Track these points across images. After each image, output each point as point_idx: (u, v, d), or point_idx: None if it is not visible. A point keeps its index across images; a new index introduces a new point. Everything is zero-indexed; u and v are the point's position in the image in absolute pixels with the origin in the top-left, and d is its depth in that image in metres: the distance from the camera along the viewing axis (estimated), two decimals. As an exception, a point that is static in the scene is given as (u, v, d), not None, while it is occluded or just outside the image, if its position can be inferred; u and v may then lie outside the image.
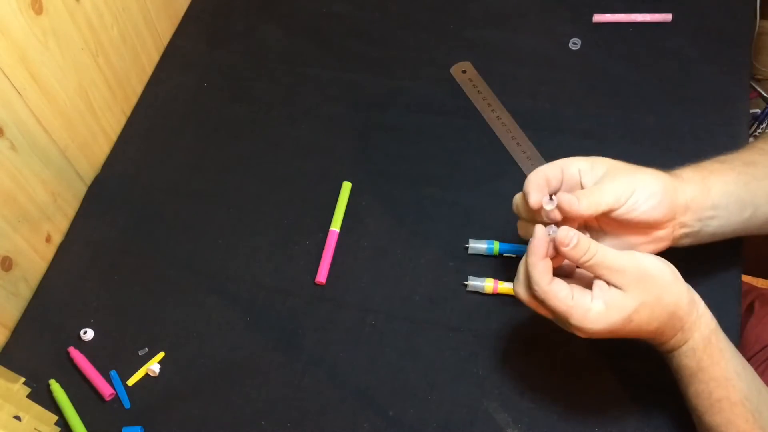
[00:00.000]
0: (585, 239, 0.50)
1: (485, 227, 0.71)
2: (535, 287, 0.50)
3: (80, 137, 0.76)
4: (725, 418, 0.52)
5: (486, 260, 0.69)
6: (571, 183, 0.56)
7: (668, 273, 0.51)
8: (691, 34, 0.81)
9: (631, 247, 0.57)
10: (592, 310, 0.49)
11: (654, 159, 0.68)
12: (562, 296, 0.50)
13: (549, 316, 0.52)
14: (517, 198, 0.57)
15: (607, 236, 0.57)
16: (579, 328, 0.50)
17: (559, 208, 0.53)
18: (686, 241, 0.58)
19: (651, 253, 0.54)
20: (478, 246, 0.68)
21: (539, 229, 0.51)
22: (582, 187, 0.55)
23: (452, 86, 0.81)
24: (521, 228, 0.59)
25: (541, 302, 0.51)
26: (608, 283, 0.50)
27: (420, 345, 0.65)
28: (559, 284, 0.50)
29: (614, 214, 0.54)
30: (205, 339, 0.68)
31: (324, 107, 0.81)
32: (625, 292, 0.49)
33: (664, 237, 0.56)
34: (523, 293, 0.52)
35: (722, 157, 0.59)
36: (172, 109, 0.83)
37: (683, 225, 0.56)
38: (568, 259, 0.51)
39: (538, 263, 0.50)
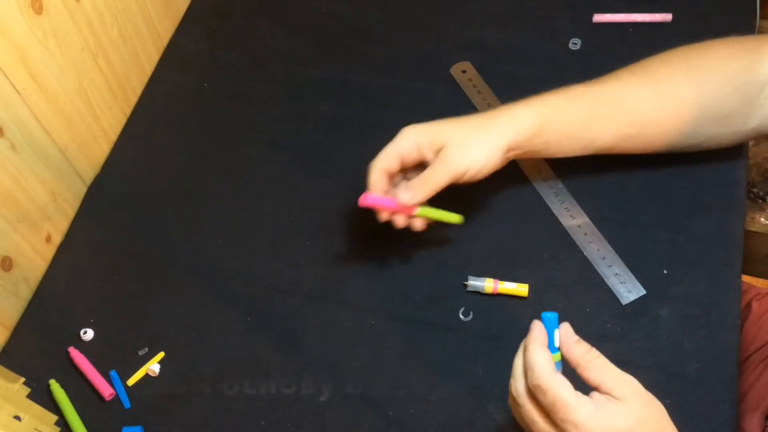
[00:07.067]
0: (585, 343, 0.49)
1: (485, 227, 0.71)
2: (540, 376, 0.46)
3: (80, 137, 0.76)
4: None
5: (486, 260, 0.69)
6: (414, 158, 0.62)
7: (666, 414, 0.49)
8: (691, 34, 0.81)
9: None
10: (598, 410, 0.46)
11: (654, 158, 0.69)
12: (569, 387, 0.46)
13: (538, 419, 0.48)
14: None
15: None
16: (578, 426, 0.45)
17: (400, 204, 0.60)
18: (525, 157, 0.65)
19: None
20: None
21: (537, 322, 0.50)
22: (426, 162, 0.61)
23: (452, 86, 0.81)
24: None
25: (543, 393, 0.46)
26: (609, 395, 0.46)
27: (420, 345, 0.65)
28: (563, 378, 0.47)
29: (457, 183, 0.61)
30: (205, 339, 0.68)
31: (324, 107, 0.81)
32: (627, 404, 0.46)
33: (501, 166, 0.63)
34: (521, 388, 0.49)
35: (576, 91, 0.64)
36: (172, 109, 0.83)
37: (516, 153, 0.63)
38: (570, 357, 0.48)
39: (541, 350, 0.48)
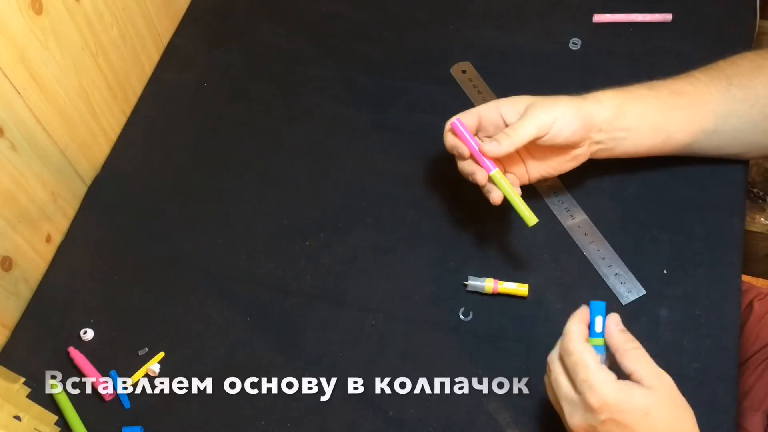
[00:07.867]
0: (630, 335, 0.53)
1: (485, 227, 0.71)
2: (569, 340, 0.51)
3: (80, 137, 0.76)
4: None
5: (486, 260, 0.69)
6: (495, 124, 0.63)
7: (694, 420, 0.51)
8: (691, 34, 0.81)
9: (555, 166, 0.65)
10: (619, 383, 0.49)
11: (654, 158, 0.69)
12: (594, 355, 0.51)
13: (562, 382, 0.52)
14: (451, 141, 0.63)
15: (533, 160, 0.65)
16: (598, 393, 0.49)
17: (485, 155, 0.61)
18: (602, 155, 0.66)
19: (571, 167, 0.65)
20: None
21: (584, 306, 0.54)
22: (506, 125, 0.62)
23: (452, 86, 0.81)
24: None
25: (569, 355, 0.51)
26: (639, 383, 0.50)
27: (420, 345, 0.65)
28: (592, 349, 0.51)
29: (539, 142, 0.61)
30: (205, 339, 0.68)
31: (324, 107, 0.81)
32: (651, 390, 0.49)
33: (582, 153, 0.64)
34: (554, 354, 0.54)
35: (654, 83, 0.66)
36: (172, 109, 0.83)
37: (597, 142, 0.64)
38: (611, 342, 0.52)
39: (578, 323, 0.52)
